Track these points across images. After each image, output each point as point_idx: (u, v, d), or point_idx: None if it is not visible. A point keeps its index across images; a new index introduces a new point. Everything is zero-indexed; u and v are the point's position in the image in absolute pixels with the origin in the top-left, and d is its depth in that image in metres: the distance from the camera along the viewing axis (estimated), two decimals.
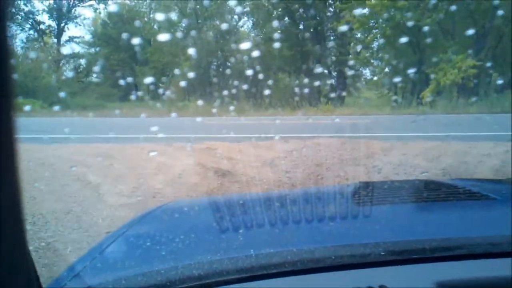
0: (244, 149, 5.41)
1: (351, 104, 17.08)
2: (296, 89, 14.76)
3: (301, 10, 18.53)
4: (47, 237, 2.64)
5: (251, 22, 21.38)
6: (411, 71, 15.47)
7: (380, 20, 16.07)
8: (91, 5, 25.71)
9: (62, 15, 23.02)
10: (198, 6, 19.73)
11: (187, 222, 1.11)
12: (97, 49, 25.07)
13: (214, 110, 12.31)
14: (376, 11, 14.74)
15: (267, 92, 15.71)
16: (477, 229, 0.84)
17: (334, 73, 18.39)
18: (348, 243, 0.76)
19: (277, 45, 18.58)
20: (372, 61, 17.02)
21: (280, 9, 19.18)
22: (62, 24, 23.49)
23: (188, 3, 19.88)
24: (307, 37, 18.60)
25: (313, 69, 15.96)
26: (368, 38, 16.20)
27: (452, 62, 13.29)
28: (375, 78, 17.72)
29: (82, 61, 23.95)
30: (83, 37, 25.28)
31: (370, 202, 1.11)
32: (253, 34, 21.32)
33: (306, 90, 14.88)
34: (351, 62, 17.65)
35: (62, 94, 15.95)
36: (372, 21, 16.31)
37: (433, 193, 1.21)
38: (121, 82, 20.93)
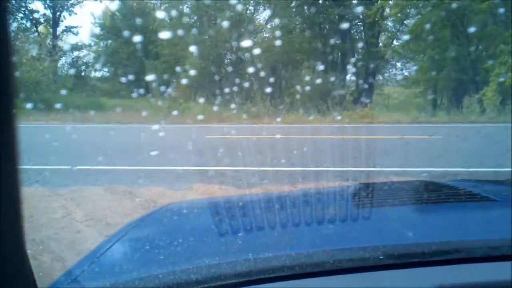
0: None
1: (385, 107, 14.87)
2: (325, 89, 12.51)
3: None
4: None
5: (268, 11, 19.14)
6: (457, 66, 13.17)
7: (421, 5, 13.77)
8: None
9: (57, 4, 21.04)
10: None
11: (185, 225, 1.10)
12: (108, 42, 23.57)
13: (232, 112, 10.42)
14: None
15: (289, 91, 13.55)
16: (477, 232, 0.84)
17: (369, 69, 15.93)
18: (347, 246, 0.75)
19: (297, 36, 16.40)
20: (411, 54, 14.66)
21: None
22: (58, 14, 21.50)
23: None
24: (333, 27, 16.33)
25: (345, 64, 13.68)
26: (409, 26, 13.88)
27: None
28: (413, 74, 15.36)
29: (81, 54, 22.05)
30: (81, 27, 23.35)
31: (370, 204, 1.10)
32: (269, 26, 19.09)
33: (336, 90, 12.64)
34: (384, 56, 15.36)
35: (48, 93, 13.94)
36: (413, 8, 14.00)
37: (433, 195, 1.19)
38: (125, 78, 19.38)
